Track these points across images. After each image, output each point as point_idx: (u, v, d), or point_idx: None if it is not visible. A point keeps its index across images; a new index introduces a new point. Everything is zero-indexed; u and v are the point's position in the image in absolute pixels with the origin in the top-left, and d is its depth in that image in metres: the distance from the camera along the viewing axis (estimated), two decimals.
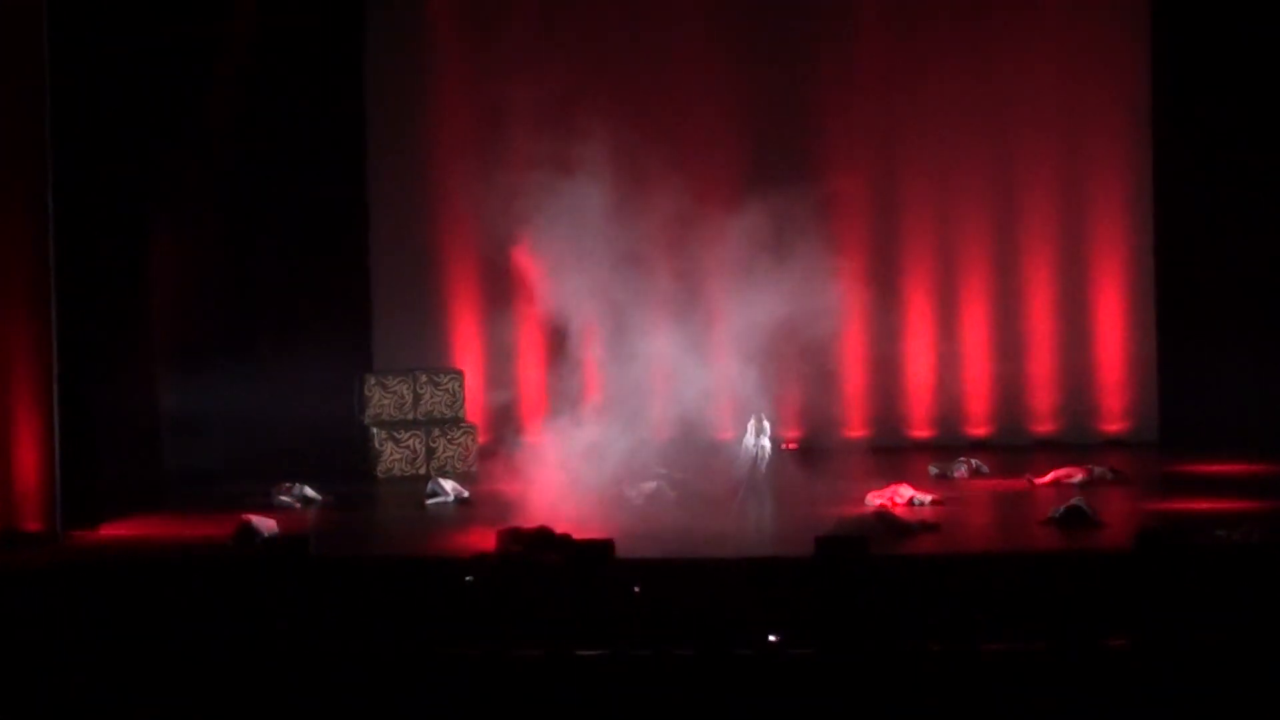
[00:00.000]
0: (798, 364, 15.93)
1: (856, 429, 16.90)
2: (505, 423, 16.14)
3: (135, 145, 14.43)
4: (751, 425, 14.33)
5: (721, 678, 8.80)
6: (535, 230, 14.36)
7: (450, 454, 15.84)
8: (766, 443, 14.67)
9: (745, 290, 14.43)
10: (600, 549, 11.48)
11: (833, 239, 15.79)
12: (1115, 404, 16.77)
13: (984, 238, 16.84)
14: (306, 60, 16.32)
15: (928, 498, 13.80)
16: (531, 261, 14.56)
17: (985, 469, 15.27)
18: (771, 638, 9.31)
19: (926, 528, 12.80)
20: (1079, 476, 14.51)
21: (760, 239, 14.45)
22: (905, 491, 13.83)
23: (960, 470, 15.13)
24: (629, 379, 14.35)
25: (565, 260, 14.41)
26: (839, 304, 15.56)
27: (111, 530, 13.26)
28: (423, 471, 15.62)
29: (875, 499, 13.70)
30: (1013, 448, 16.45)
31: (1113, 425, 16.77)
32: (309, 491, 14.50)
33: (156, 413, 14.97)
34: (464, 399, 16.22)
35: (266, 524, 12.87)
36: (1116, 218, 16.73)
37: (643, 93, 16.46)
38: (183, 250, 15.60)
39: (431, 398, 16.14)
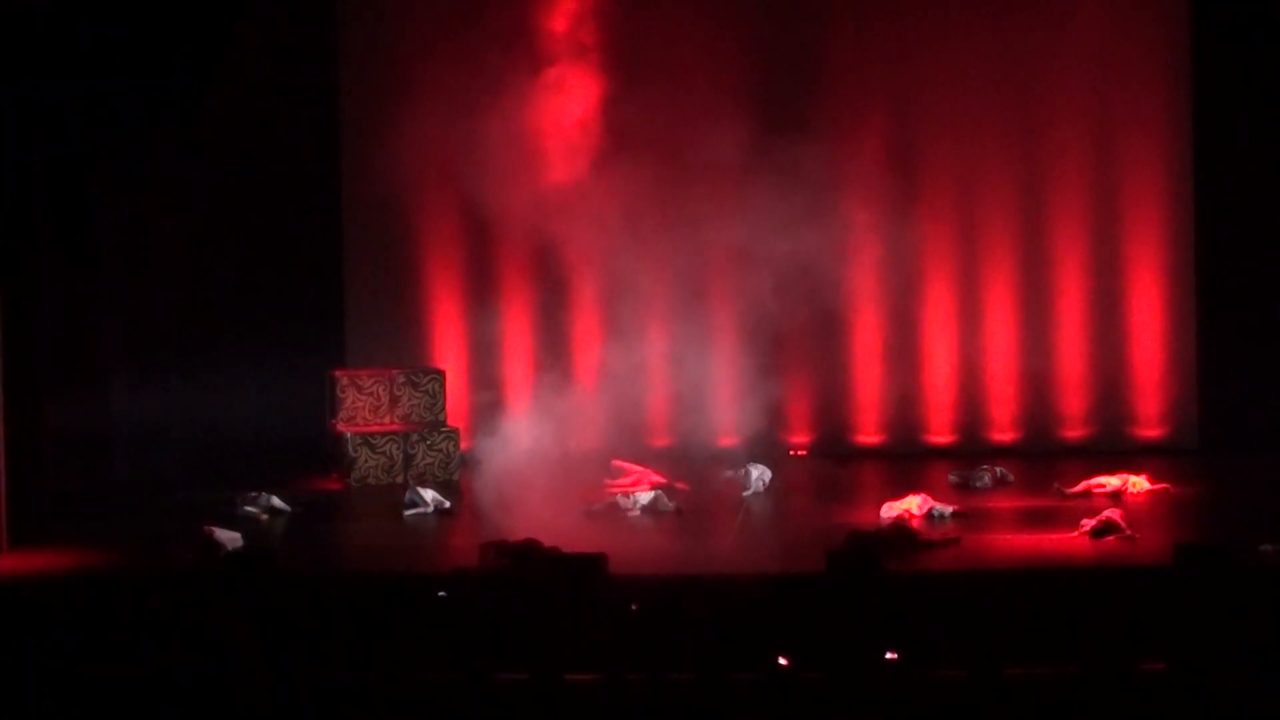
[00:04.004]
0: (807, 358, 16.07)
1: (870, 434, 16.94)
2: (490, 427, 16.16)
3: (80, 133, 14.47)
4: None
5: (725, 704, 8.83)
6: (523, 205, 14.45)
7: (430, 461, 15.87)
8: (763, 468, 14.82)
9: (747, 275, 14.55)
10: (592, 563, 11.49)
11: (843, 226, 15.87)
12: (1152, 408, 16.79)
13: (1009, 225, 16.83)
14: (273, 38, 16.36)
15: (948, 509, 13.83)
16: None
17: (1010, 478, 15.31)
18: (780, 660, 9.34)
19: (946, 542, 12.83)
20: (1112, 486, 14.54)
21: (762, 222, 14.54)
22: (923, 503, 13.84)
23: (983, 479, 15.16)
24: (623, 362, 14.45)
25: (557, 235, 14.51)
26: (850, 295, 15.70)
27: (60, 545, 13.25)
28: (400, 480, 15.64)
29: (891, 511, 13.72)
30: (1041, 455, 16.47)
31: (1149, 431, 16.80)
32: (276, 501, 14.52)
33: (109, 417, 14.99)
34: (445, 401, 16.25)
35: (230, 536, 12.88)
36: (1154, 203, 16.74)
37: (639, 50, 16.35)
38: (136, 241, 15.63)
39: (410, 400, 16.17)
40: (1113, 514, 12.95)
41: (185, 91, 16.02)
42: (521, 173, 14.71)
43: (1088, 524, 12.89)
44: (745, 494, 14.74)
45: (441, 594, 10.93)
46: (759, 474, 14.90)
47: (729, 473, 15.02)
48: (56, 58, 14.24)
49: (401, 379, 16.21)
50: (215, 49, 16.14)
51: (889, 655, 9.22)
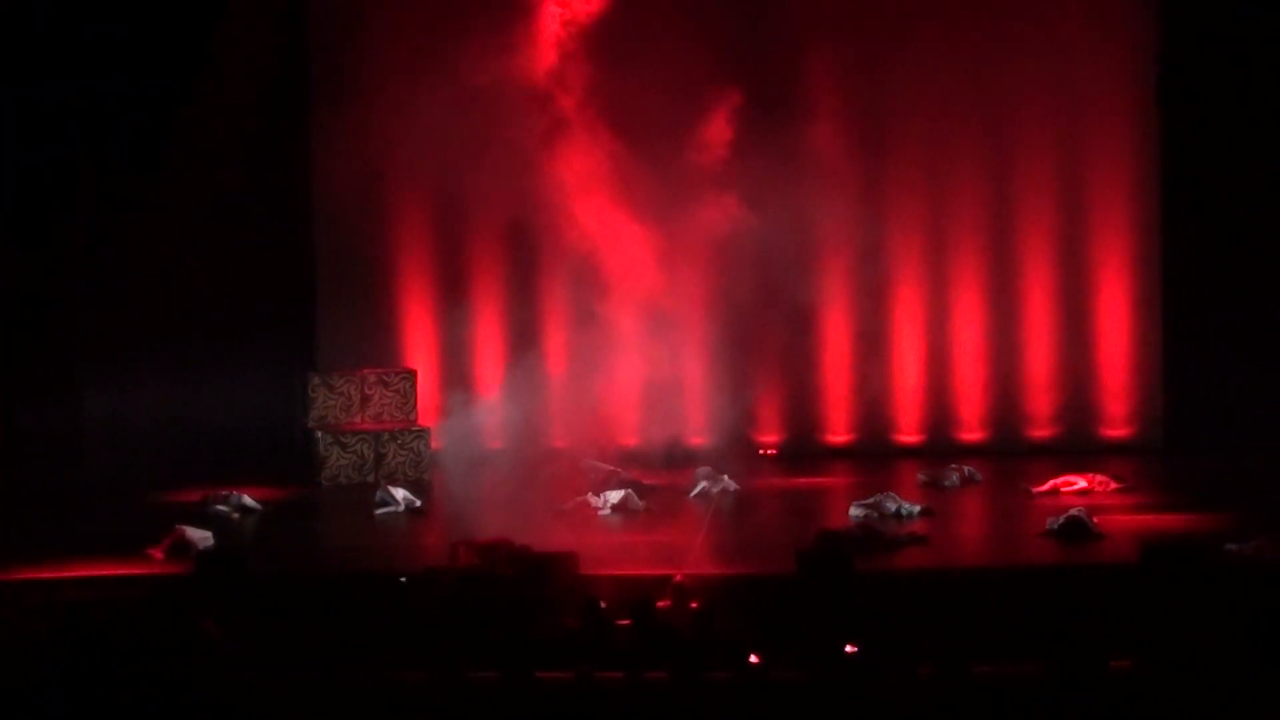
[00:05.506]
0: (777, 358, 16.05)
1: (840, 434, 16.93)
2: (459, 427, 16.11)
3: (52, 135, 14.40)
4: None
5: (697, 702, 8.80)
6: (493, 204, 14.42)
7: (401, 460, 15.80)
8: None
9: (719, 278, 14.55)
10: (563, 562, 11.45)
11: (815, 229, 15.87)
12: (1118, 408, 16.82)
13: (977, 229, 16.86)
14: (243, 36, 16.27)
15: (916, 508, 13.81)
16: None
17: (979, 477, 15.30)
18: (752, 658, 9.31)
19: (915, 541, 12.80)
20: (1079, 485, 14.54)
21: (733, 223, 14.55)
22: (892, 502, 13.82)
23: (952, 479, 15.15)
24: (592, 361, 14.46)
25: (527, 233, 14.46)
26: (821, 296, 15.71)
27: (31, 544, 13.12)
28: (371, 479, 15.57)
29: (859, 510, 13.69)
30: (1008, 454, 16.48)
31: (1115, 430, 16.82)
32: (247, 500, 14.43)
33: (80, 419, 14.90)
34: (416, 401, 16.20)
35: (201, 535, 12.79)
36: (1120, 209, 16.78)
37: (614, 50, 16.21)
38: (106, 243, 15.55)
39: (381, 399, 16.11)
40: (1079, 513, 12.94)
41: (157, 95, 15.95)
42: (492, 172, 14.67)
43: (1054, 523, 12.88)
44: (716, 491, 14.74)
45: (402, 580, 10.94)
46: (723, 484, 14.87)
47: (696, 488, 14.86)
48: (25, 59, 14.15)
49: (373, 379, 16.16)
50: (187, 53, 16.05)
51: (849, 648, 9.20)
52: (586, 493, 14.30)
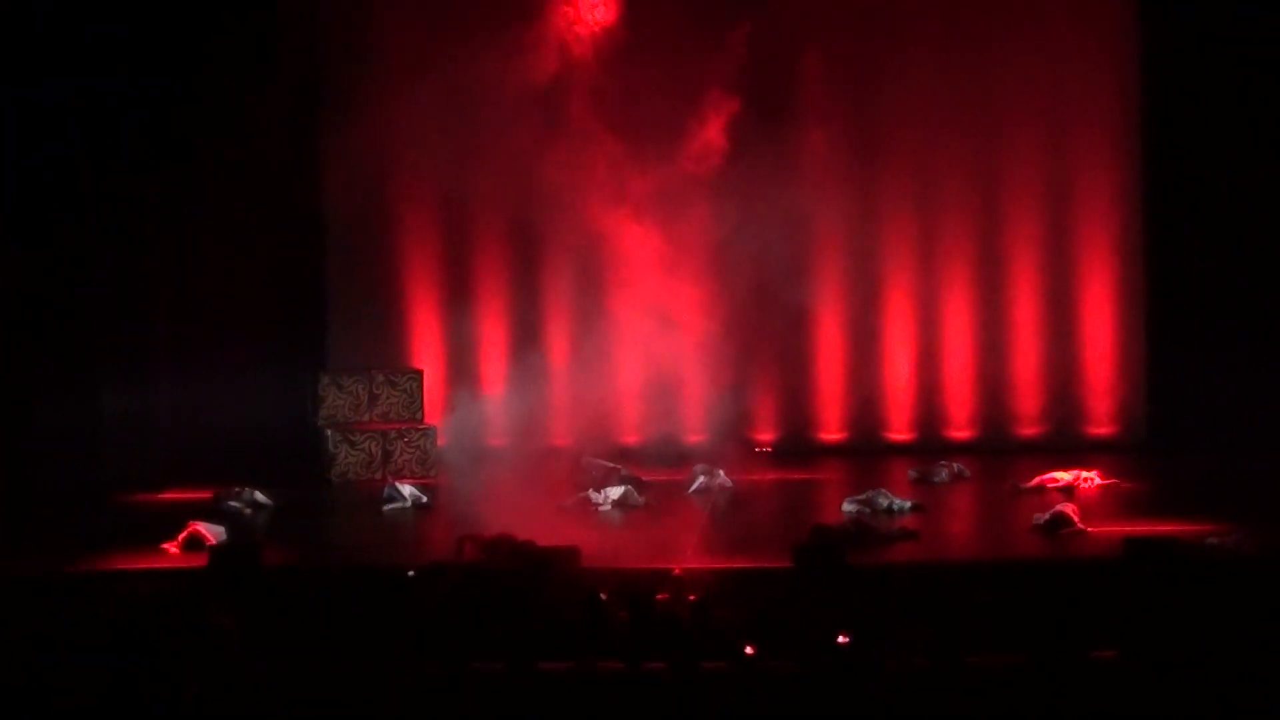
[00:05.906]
0: (772, 358, 16.12)
1: (833, 431, 17.02)
2: (466, 424, 16.21)
3: (67, 136, 14.45)
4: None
5: (695, 692, 8.88)
6: (500, 208, 14.47)
7: (408, 457, 15.90)
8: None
9: (716, 278, 14.64)
10: (565, 556, 11.55)
11: (807, 231, 15.96)
12: (1103, 406, 16.93)
13: (966, 233, 16.97)
14: (254, 44, 16.34)
15: (907, 504, 13.90)
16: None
17: (968, 473, 15.40)
18: (747, 649, 9.40)
19: (906, 535, 12.90)
20: (1065, 481, 14.64)
21: (729, 228, 14.64)
22: (883, 498, 13.91)
23: (942, 475, 15.24)
24: (592, 361, 14.54)
25: (533, 237, 14.51)
26: (814, 299, 15.77)
27: (49, 540, 13.21)
28: (379, 475, 15.67)
29: (852, 506, 13.78)
30: (996, 451, 16.59)
31: (1100, 428, 16.93)
32: (259, 496, 14.53)
33: (98, 417, 14.98)
34: (423, 399, 16.29)
35: (214, 530, 12.89)
36: (1105, 211, 16.89)
37: (614, 55, 16.30)
38: (122, 245, 15.62)
39: (388, 398, 16.21)
40: (1065, 508, 13.04)
41: (171, 98, 16.01)
42: (495, 175, 14.77)
43: (1041, 518, 12.98)
44: (713, 487, 14.84)
45: (410, 573, 11.02)
46: (719, 480, 14.97)
47: (694, 483, 14.99)
48: (44, 60, 14.20)
49: (381, 379, 16.26)
50: (201, 57, 16.11)
51: (841, 639, 9.28)
52: (587, 489, 14.40)
